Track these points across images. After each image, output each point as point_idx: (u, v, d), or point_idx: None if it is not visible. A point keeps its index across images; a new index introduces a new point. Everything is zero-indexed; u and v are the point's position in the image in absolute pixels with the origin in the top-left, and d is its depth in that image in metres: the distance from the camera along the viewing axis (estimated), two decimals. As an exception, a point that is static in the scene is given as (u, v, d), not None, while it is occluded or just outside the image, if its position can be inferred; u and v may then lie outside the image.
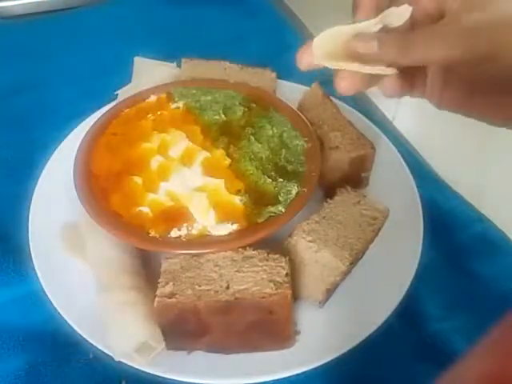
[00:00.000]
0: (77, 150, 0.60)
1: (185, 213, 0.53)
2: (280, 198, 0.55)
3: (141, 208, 0.54)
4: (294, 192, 0.55)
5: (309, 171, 0.58)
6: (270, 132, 0.61)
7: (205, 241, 0.52)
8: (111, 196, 0.56)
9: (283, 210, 0.54)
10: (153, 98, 0.66)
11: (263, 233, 0.52)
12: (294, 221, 0.53)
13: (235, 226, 0.53)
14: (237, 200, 0.54)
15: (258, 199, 0.55)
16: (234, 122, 0.62)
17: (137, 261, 0.54)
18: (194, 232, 0.53)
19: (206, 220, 0.53)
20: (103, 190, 0.56)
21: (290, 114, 0.64)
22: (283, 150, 0.59)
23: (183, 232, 0.53)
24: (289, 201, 0.55)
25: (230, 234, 0.53)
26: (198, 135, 0.60)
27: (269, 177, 0.56)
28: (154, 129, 0.61)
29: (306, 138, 0.61)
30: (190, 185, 0.55)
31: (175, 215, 0.53)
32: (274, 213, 0.54)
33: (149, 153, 0.58)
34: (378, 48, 0.34)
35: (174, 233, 0.53)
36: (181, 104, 0.65)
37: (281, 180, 0.56)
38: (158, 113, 0.64)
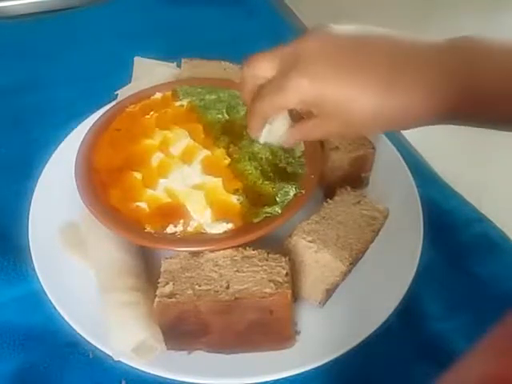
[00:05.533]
0: (80, 144, 0.60)
1: (182, 210, 0.54)
2: (277, 199, 0.54)
3: (138, 203, 0.54)
4: (291, 193, 0.55)
5: (308, 173, 0.57)
6: None
7: (199, 239, 0.52)
8: (111, 191, 0.56)
9: (279, 211, 0.54)
10: (158, 96, 0.66)
11: (258, 233, 0.52)
12: (293, 221, 0.53)
13: (230, 225, 0.53)
14: (234, 199, 0.54)
15: (256, 199, 0.55)
16: (237, 121, 0.62)
17: (138, 261, 0.54)
18: (190, 229, 0.53)
19: (202, 218, 0.53)
20: (104, 185, 0.57)
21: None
22: (284, 152, 0.59)
23: (179, 229, 0.53)
24: (286, 202, 0.54)
25: (224, 232, 0.53)
26: (200, 133, 0.60)
27: (267, 177, 0.56)
28: (157, 126, 0.61)
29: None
30: (189, 182, 0.55)
31: (172, 211, 0.54)
32: (271, 213, 0.53)
33: (150, 149, 0.59)
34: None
35: (170, 229, 0.53)
36: (185, 102, 0.65)
37: (279, 181, 0.56)
38: (162, 110, 0.64)
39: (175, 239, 0.52)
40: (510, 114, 0.43)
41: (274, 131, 0.50)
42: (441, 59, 0.42)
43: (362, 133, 0.58)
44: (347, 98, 0.43)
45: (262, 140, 0.52)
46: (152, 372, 0.48)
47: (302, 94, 0.44)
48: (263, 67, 0.47)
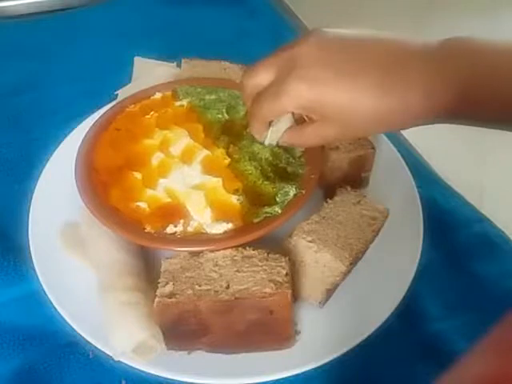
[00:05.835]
0: (80, 144, 0.60)
1: (181, 210, 0.54)
2: (277, 199, 0.54)
3: (138, 203, 0.55)
4: (291, 193, 0.55)
5: (308, 173, 0.57)
6: None
7: (199, 239, 0.52)
8: (111, 190, 0.56)
9: (279, 211, 0.54)
10: (158, 96, 0.66)
11: (258, 233, 0.52)
12: (293, 221, 0.53)
13: (230, 225, 0.53)
14: (234, 199, 0.54)
15: (256, 199, 0.55)
16: (237, 121, 0.62)
17: (138, 261, 0.54)
18: (190, 229, 0.53)
19: (202, 218, 0.53)
20: (104, 185, 0.57)
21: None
22: (284, 152, 0.59)
23: (179, 229, 0.53)
24: (286, 202, 0.54)
25: (224, 232, 0.53)
26: (200, 133, 0.60)
27: (267, 177, 0.56)
28: (157, 126, 0.61)
29: None
30: (189, 182, 0.56)
31: (172, 211, 0.54)
32: (271, 213, 0.53)
33: (150, 149, 0.59)
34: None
35: (170, 229, 0.53)
36: (185, 102, 0.65)
37: (279, 181, 0.56)
38: (162, 110, 0.64)
39: (175, 239, 0.52)
40: (508, 114, 0.43)
41: (276, 133, 0.50)
42: (437, 59, 0.43)
43: (361, 135, 0.58)
44: (346, 101, 0.43)
45: (266, 142, 0.52)
46: (152, 372, 0.48)
47: (300, 99, 0.44)
48: (261, 76, 0.47)
